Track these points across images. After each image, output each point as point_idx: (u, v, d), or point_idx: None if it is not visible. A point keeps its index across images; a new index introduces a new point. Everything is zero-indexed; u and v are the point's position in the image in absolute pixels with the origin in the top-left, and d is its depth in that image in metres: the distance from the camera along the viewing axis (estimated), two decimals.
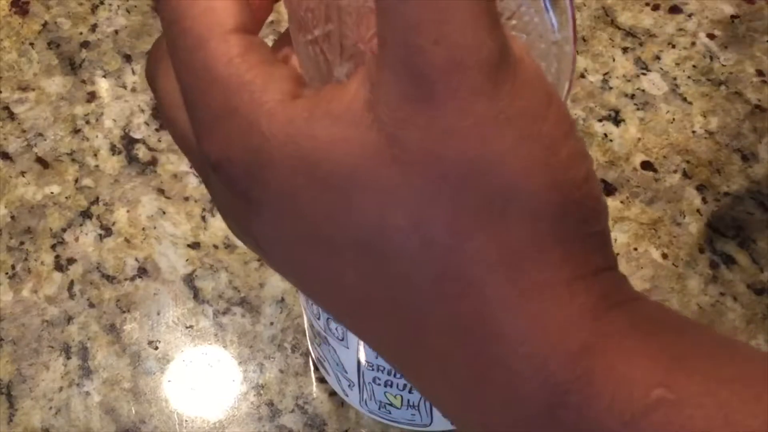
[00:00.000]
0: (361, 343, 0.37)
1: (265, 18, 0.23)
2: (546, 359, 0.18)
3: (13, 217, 0.50)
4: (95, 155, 0.52)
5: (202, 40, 0.19)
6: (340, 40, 0.21)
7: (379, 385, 0.39)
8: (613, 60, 0.55)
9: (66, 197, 0.51)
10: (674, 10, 0.57)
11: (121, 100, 0.54)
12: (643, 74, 0.55)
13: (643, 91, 0.54)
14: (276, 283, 0.47)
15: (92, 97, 0.54)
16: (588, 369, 0.18)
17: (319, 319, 0.38)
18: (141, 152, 0.52)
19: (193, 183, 0.51)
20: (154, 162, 0.52)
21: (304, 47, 0.22)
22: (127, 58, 0.56)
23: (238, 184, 0.19)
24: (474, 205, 0.18)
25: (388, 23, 0.18)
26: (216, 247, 0.49)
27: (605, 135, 0.52)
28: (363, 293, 0.19)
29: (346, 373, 0.40)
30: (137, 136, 0.53)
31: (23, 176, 0.51)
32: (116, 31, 0.57)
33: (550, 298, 0.18)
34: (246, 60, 0.19)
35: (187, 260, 0.48)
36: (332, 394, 0.44)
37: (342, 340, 0.38)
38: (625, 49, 0.56)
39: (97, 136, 0.53)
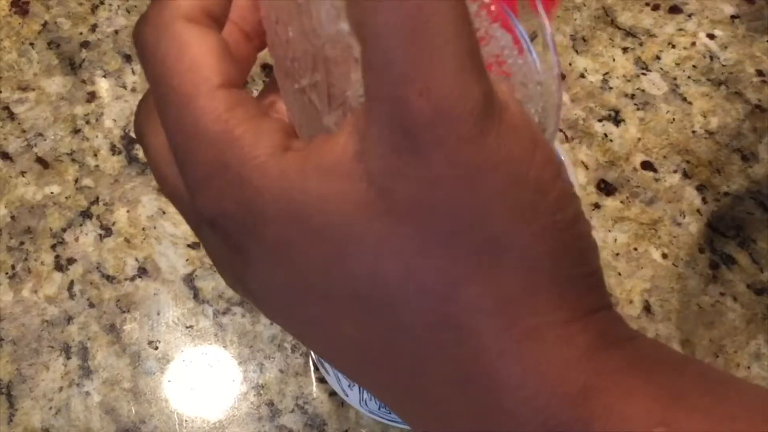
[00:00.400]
0: None
1: (250, 69, 0.23)
2: (546, 402, 0.18)
3: (13, 217, 0.50)
4: (95, 155, 0.52)
5: (190, 98, 0.19)
6: (328, 89, 0.21)
7: None
8: (613, 60, 0.55)
9: (66, 197, 0.51)
10: (674, 10, 0.57)
11: (121, 100, 0.54)
12: (643, 74, 0.55)
13: (643, 91, 0.54)
14: None
15: (92, 97, 0.54)
16: (588, 410, 0.18)
17: None
18: (141, 152, 0.52)
19: None
20: None
21: (292, 95, 0.22)
22: (127, 58, 0.56)
23: (233, 237, 0.20)
24: (466, 253, 0.18)
25: (373, 76, 0.18)
26: None
27: (605, 135, 0.52)
28: (360, 344, 0.20)
29: None
30: None
31: (23, 176, 0.51)
32: (116, 31, 0.57)
33: (546, 342, 0.19)
34: (234, 115, 0.19)
35: (187, 260, 0.48)
36: (332, 394, 0.44)
37: None
38: (625, 49, 0.56)
39: (97, 136, 0.53)
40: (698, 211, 0.50)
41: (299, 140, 0.20)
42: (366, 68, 0.18)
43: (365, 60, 0.18)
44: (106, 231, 0.49)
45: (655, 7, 0.57)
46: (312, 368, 0.45)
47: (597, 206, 0.50)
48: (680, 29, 0.56)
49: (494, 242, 0.18)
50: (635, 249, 0.49)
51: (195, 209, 0.20)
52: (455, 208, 0.18)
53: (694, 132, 0.52)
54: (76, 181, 0.51)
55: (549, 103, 0.24)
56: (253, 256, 0.20)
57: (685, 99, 0.54)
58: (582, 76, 0.54)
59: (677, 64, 0.55)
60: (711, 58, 0.55)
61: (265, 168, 0.19)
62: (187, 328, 0.47)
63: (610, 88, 0.54)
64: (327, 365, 0.42)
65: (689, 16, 0.57)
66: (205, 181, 0.19)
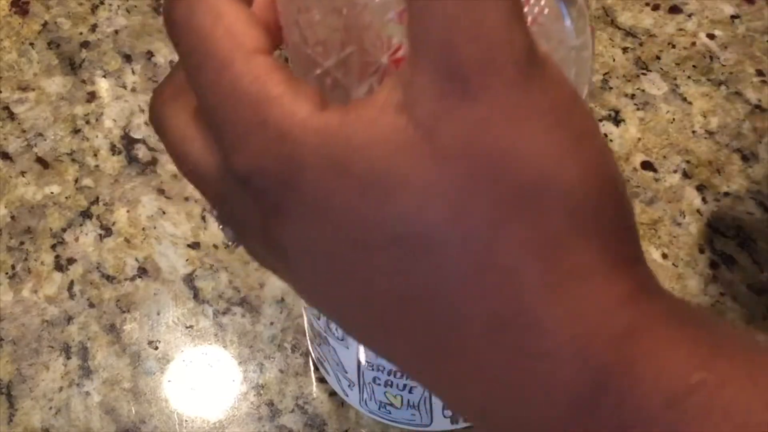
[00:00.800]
0: None
1: (280, 40, 0.23)
2: (588, 343, 0.18)
3: (13, 217, 0.50)
4: (95, 155, 0.52)
5: (227, 61, 0.20)
6: (362, 59, 0.21)
7: (379, 385, 0.39)
8: (613, 60, 0.55)
9: (66, 197, 0.51)
10: (674, 10, 0.57)
11: (121, 100, 0.54)
12: (643, 74, 0.55)
13: (643, 91, 0.54)
14: (276, 283, 0.47)
15: (92, 97, 0.54)
16: (630, 352, 0.19)
17: (319, 319, 0.38)
18: (141, 152, 0.52)
19: None
20: (154, 162, 0.52)
21: (313, 83, 0.22)
22: (127, 58, 0.56)
23: (270, 193, 0.20)
24: (511, 194, 0.18)
25: (422, 24, 0.18)
26: (216, 247, 0.49)
27: (605, 135, 0.52)
28: (398, 294, 0.19)
29: (346, 373, 0.40)
30: (137, 136, 0.53)
31: (23, 176, 0.51)
32: (116, 31, 0.57)
33: (589, 284, 0.19)
34: (272, 78, 0.20)
35: (187, 260, 0.48)
36: (332, 394, 0.44)
37: (342, 340, 0.38)
38: (625, 49, 0.56)
39: (97, 136, 0.53)
40: (698, 211, 0.50)
41: (336, 103, 0.20)
42: (413, 18, 0.18)
43: (413, 11, 0.18)
44: (106, 231, 0.49)
45: (655, 7, 0.57)
46: (312, 368, 0.45)
47: None
48: (680, 29, 0.56)
49: (539, 184, 0.18)
50: None
51: (227, 171, 0.20)
52: (502, 148, 0.18)
53: (694, 132, 0.52)
54: (76, 181, 0.51)
55: (582, 68, 0.24)
56: (290, 210, 0.20)
57: (685, 99, 0.54)
58: None
59: (677, 64, 0.55)
60: (711, 58, 0.55)
61: (306, 123, 0.19)
62: (187, 328, 0.47)
63: (610, 88, 0.54)
64: (327, 365, 0.42)
65: (689, 16, 0.57)
66: (243, 138, 0.20)
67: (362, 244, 0.19)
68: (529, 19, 0.23)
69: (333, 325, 0.37)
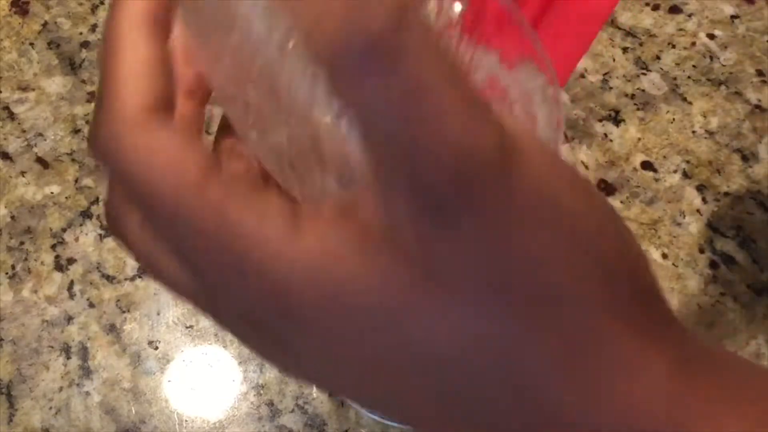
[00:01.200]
0: None
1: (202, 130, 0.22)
2: None
3: (13, 217, 0.50)
4: None
5: (175, 199, 0.18)
6: (319, 160, 0.20)
7: None
8: (613, 60, 0.55)
9: (66, 197, 0.51)
10: (674, 10, 0.57)
11: None
12: (643, 74, 0.55)
13: (643, 91, 0.54)
14: None
15: (92, 97, 0.54)
16: None
17: None
18: None
19: None
20: None
21: (271, 158, 0.21)
22: None
23: (270, 330, 0.19)
24: (526, 309, 0.17)
25: (380, 154, 0.17)
26: None
27: (605, 135, 0.52)
28: (421, 408, 0.19)
29: None
30: None
31: (23, 176, 0.51)
32: None
33: (621, 379, 0.18)
34: (229, 204, 0.18)
35: None
36: (332, 393, 0.44)
37: None
38: (625, 49, 0.56)
39: None
40: (698, 211, 0.50)
41: (304, 205, 0.19)
42: (372, 152, 0.17)
43: (367, 141, 0.17)
44: (106, 231, 0.49)
45: (655, 7, 0.57)
46: None
47: None
48: (680, 29, 0.56)
49: (548, 293, 0.17)
50: None
51: (219, 308, 0.19)
52: (503, 267, 0.17)
53: (694, 132, 0.52)
54: (76, 181, 0.51)
55: (549, 105, 0.24)
56: (298, 345, 0.19)
57: (685, 99, 0.54)
58: (582, 76, 0.54)
59: (677, 64, 0.55)
60: (711, 58, 0.55)
61: (283, 252, 0.18)
62: (187, 328, 0.47)
63: (610, 88, 0.54)
64: None
65: (689, 16, 0.57)
66: (222, 284, 0.18)
67: (379, 367, 0.18)
68: (486, 81, 0.22)
69: None
